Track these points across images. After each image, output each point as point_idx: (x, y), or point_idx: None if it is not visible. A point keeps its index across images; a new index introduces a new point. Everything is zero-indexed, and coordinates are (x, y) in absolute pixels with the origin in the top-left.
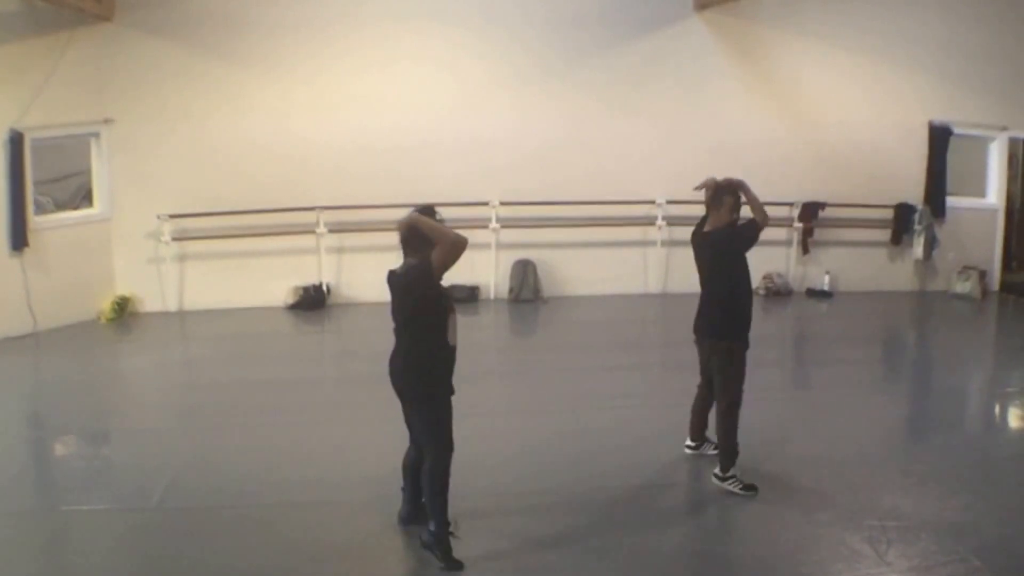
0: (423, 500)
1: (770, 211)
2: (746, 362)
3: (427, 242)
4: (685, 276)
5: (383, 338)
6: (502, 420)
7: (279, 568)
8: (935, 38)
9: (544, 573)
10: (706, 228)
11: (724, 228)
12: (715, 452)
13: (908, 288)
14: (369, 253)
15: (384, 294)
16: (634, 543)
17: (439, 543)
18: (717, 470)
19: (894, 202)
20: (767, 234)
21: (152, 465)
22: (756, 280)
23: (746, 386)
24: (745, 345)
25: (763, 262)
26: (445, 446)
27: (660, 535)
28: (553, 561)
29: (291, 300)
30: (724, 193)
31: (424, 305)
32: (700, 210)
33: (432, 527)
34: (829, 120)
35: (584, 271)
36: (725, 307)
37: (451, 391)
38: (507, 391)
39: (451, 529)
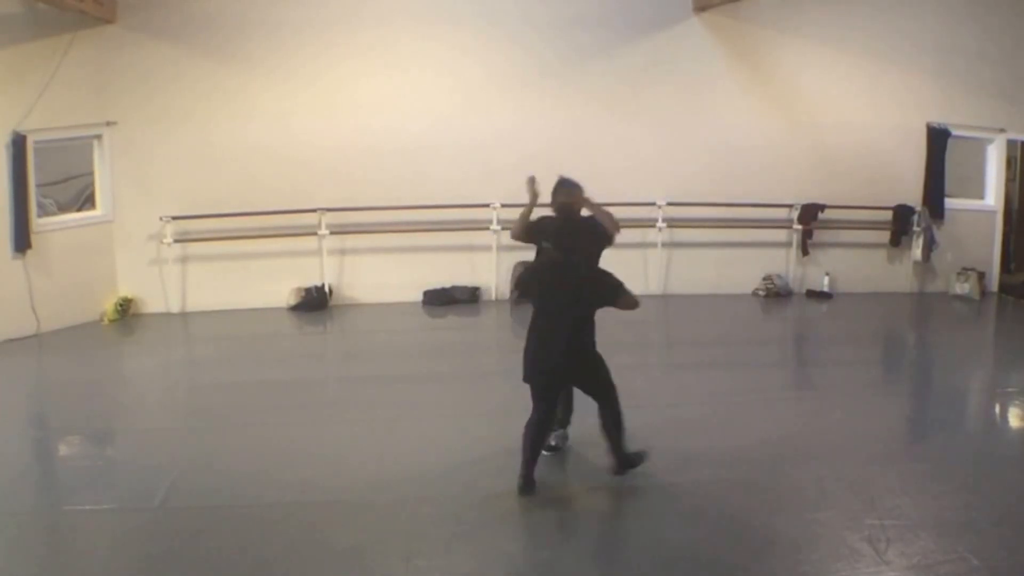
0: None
1: (770, 213)
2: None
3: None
4: (685, 278)
5: (385, 339)
6: (505, 420)
7: (281, 568)
8: (933, 40)
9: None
10: None
11: None
12: None
13: (907, 289)
14: (371, 255)
15: (385, 295)
16: (633, 540)
17: (627, 461)
18: None
19: (893, 204)
20: (767, 236)
21: (155, 465)
22: (757, 281)
23: (746, 386)
24: None
25: (763, 264)
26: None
27: (659, 534)
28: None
29: (293, 301)
30: None
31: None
32: (700, 211)
33: (617, 457)
34: (828, 122)
35: None
36: None
37: None
38: (509, 392)
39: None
